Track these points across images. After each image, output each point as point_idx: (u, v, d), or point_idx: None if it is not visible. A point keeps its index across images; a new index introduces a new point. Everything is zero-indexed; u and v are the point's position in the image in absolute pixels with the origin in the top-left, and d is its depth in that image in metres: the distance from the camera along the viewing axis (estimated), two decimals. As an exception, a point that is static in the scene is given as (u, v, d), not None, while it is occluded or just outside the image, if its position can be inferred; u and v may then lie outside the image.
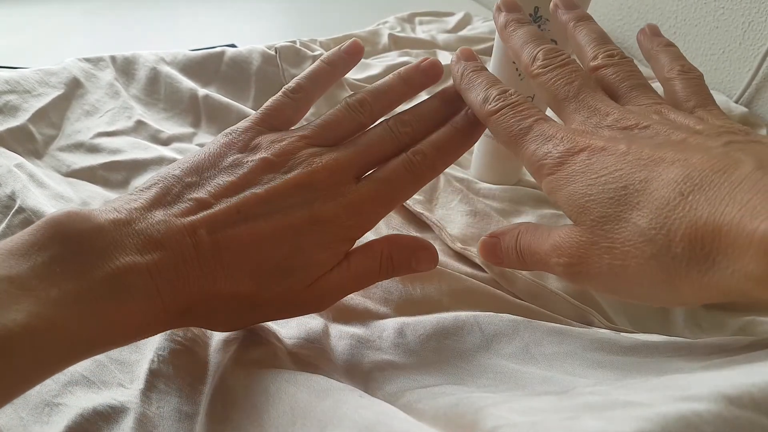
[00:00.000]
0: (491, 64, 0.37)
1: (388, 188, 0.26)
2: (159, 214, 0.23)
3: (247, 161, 0.25)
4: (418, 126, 0.28)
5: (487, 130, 0.28)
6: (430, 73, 0.30)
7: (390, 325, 0.29)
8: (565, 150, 0.23)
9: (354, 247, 0.27)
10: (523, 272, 0.33)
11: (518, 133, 0.25)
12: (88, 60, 0.50)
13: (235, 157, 0.25)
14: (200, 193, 0.24)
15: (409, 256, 0.28)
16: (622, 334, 0.27)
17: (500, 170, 0.42)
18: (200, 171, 0.25)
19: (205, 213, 0.23)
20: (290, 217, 0.24)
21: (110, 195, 0.39)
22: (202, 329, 0.28)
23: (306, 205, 0.24)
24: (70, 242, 0.20)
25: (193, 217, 0.23)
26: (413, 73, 0.30)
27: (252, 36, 0.70)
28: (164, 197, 0.23)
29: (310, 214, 0.24)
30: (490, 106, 0.26)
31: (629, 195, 0.20)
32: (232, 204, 0.23)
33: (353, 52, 0.30)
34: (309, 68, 0.30)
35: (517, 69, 0.35)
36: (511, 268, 0.31)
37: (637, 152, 0.21)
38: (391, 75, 0.30)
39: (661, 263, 0.19)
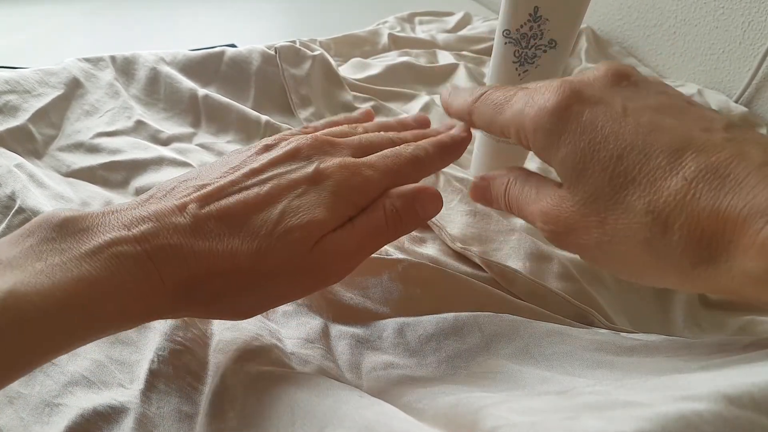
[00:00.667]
0: (491, 64, 0.37)
1: (389, 160, 0.26)
2: (150, 205, 0.23)
3: (246, 151, 0.26)
4: (414, 138, 0.29)
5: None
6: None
7: (390, 325, 0.29)
8: (559, 99, 0.21)
9: None
10: (523, 271, 0.33)
11: (504, 102, 0.24)
12: (87, 60, 0.50)
13: (238, 152, 0.27)
14: (197, 182, 0.24)
15: (413, 202, 0.26)
16: (621, 334, 0.27)
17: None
18: (204, 170, 0.25)
19: (198, 193, 0.23)
20: (284, 180, 0.24)
21: (110, 195, 0.39)
22: (202, 330, 0.28)
23: (301, 170, 0.24)
24: (54, 227, 0.20)
25: (186, 198, 0.23)
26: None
27: (252, 36, 0.70)
28: (157, 193, 0.24)
29: (306, 176, 0.24)
30: (475, 94, 0.26)
31: (627, 171, 0.19)
32: (226, 180, 0.24)
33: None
34: (328, 120, 0.32)
35: (516, 69, 0.35)
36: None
37: (636, 117, 0.20)
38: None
39: (653, 248, 0.18)
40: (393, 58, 0.61)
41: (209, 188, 0.23)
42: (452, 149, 0.29)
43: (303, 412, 0.20)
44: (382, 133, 0.28)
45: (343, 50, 0.63)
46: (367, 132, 0.29)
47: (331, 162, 0.25)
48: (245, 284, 0.23)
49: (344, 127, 0.29)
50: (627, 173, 0.19)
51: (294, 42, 0.55)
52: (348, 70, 0.58)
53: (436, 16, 0.76)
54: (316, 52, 0.54)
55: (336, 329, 0.30)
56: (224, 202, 0.23)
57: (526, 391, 0.22)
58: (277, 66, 0.52)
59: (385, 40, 0.66)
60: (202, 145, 0.46)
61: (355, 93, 0.53)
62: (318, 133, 0.27)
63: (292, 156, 0.25)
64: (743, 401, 0.14)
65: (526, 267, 0.34)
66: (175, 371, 0.26)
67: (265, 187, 0.23)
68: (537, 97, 0.22)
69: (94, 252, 0.20)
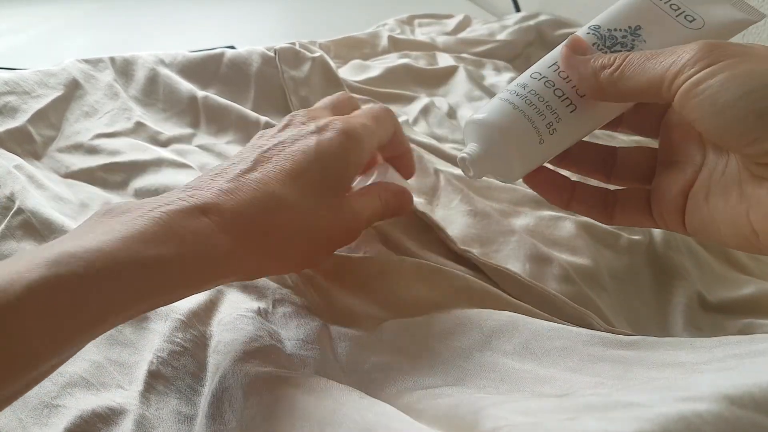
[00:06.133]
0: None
1: (368, 110, 0.31)
2: (191, 183, 0.25)
3: (242, 149, 0.29)
4: None
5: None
6: None
7: (389, 326, 0.29)
8: None
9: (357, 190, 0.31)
10: (523, 273, 0.33)
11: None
12: (87, 61, 0.50)
13: (239, 152, 0.29)
14: (222, 167, 0.27)
15: (398, 196, 0.33)
16: (620, 337, 0.27)
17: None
18: (209, 170, 0.27)
19: (226, 168, 0.26)
20: (299, 134, 0.28)
21: (109, 196, 0.39)
22: (201, 331, 0.28)
23: (306, 127, 0.28)
24: (104, 213, 0.22)
25: (219, 171, 0.26)
26: None
27: (251, 37, 0.70)
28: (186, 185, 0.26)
29: (314, 129, 0.28)
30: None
31: None
32: (246, 157, 0.27)
33: None
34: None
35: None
36: (581, 77, 0.27)
37: None
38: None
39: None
40: (392, 60, 0.62)
41: (234, 167, 0.26)
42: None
43: (302, 414, 0.20)
44: (337, 95, 0.34)
45: (343, 52, 0.63)
46: None
47: (324, 120, 0.29)
48: (299, 230, 0.26)
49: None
50: None
51: (293, 44, 0.55)
52: (347, 72, 0.58)
53: (436, 19, 0.76)
54: (315, 54, 0.54)
55: (335, 330, 0.30)
56: (256, 168, 0.26)
57: (526, 391, 0.22)
58: (276, 68, 0.52)
59: (384, 42, 0.66)
60: (201, 146, 0.45)
61: (354, 95, 0.53)
62: (294, 112, 0.31)
63: (289, 125, 0.29)
64: (744, 401, 0.14)
65: (525, 269, 0.34)
66: (174, 372, 0.26)
67: (288, 146, 0.27)
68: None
69: (144, 215, 0.21)
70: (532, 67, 0.30)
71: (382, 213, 0.31)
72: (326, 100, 0.33)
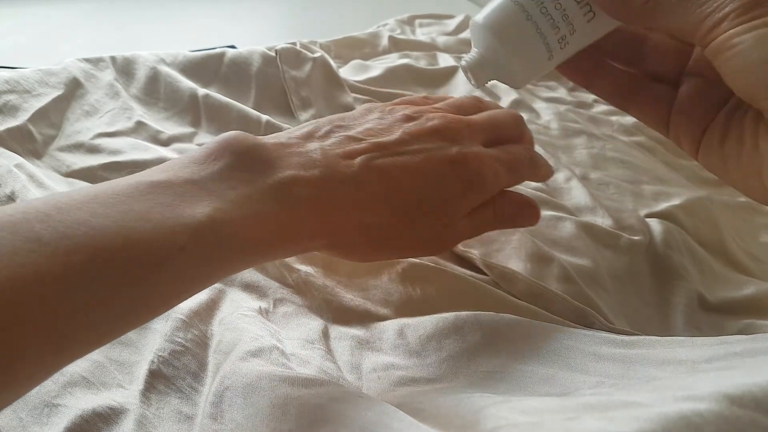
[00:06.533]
0: None
1: (513, 157, 0.30)
2: (314, 144, 0.26)
3: (390, 115, 0.29)
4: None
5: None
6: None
7: (390, 326, 0.29)
8: None
9: None
10: (524, 272, 0.33)
11: None
12: (88, 60, 0.50)
13: (378, 113, 0.29)
14: (349, 132, 0.27)
15: (520, 212, 0.31)
16: (621, 336, 0.27)
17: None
18: (347, 120, 0.28)
19: (355, 146, 0.26)
20: (432, 156, 0.27)
21: (110, 195, 0.39)
22: (202, 330, 0.28)
23: (444, 150, 0.27)
24: (240, 154, 0.23)
25: (346, 148, 0.26)
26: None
27: (252, 37, 0.70)
28: (316, 132, 0.26)
29: (449, 157, 0.27)
30: None
31: None
32: (380, 141, 0.26)
33: None
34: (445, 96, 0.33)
35: None
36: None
37: None
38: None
39: None
40: (393, 60, 0.62)
41: (365, 143, 0.26)
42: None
43: (302, 413, 0.20)
44: (504, 111, 0.32)
45: (344, 52, 0.63)
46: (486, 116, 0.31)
47: (469, 150, 0.28)
48: (385, 240, 0.27)
49: (467, 102, 0.32)
50: None
51: (294, 44, 0.55)
52: (348, 72, 0.58)
53: (436, 19, 0.76)
54: (316, 54, 0.54)
55: (336, 330, 0.30)
56: (383, 162, 0.26)
57: (527, 391, 0.22)
58: (277, 68, 0.52)
59: (385, 42, 0.66)
60: (202, 145, 0.45)
61: (355, 95, 0.53)
62: (451, 116, 0.29)
63: (436, 133, 0.28)
64: (744, 401, 0.14)
65: (527, 268, 0.34)
66: (175, 372, 0.26)
67: (417, 158, 0.26)
68: None
69: (277, 188, 0.23)
70: None
71: (494, 226, 0.31)
72: (501, 119, 0.31)
